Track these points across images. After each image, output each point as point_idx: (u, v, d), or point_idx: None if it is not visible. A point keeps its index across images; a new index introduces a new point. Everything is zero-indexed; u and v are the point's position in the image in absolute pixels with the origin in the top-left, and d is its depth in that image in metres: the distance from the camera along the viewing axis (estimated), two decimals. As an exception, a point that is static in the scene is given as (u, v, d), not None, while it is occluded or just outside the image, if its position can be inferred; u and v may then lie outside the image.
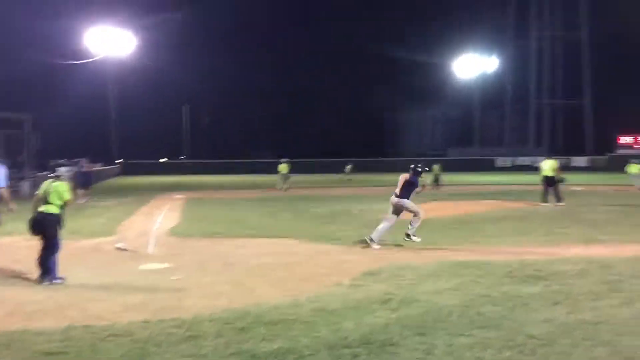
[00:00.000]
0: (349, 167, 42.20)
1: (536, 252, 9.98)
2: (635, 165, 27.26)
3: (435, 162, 31.82)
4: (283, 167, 30.46)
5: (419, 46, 73.05)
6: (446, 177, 31.32)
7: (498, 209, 18.39)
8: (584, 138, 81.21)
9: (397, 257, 9.65)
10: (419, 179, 11.11)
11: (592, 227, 13.37)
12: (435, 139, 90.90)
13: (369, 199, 22.35)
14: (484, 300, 6.56)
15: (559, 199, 19.09)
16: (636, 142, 68.56)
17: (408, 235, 10.93)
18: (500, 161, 66.95)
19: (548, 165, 19.71)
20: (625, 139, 69.21)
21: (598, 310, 6.11)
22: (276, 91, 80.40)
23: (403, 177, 11.01)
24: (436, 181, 29.22)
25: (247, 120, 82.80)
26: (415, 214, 10.95)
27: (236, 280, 8.03)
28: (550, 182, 19.39)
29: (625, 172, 28.04)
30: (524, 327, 5.52)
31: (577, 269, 8.18)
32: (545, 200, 19.18)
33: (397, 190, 10.94)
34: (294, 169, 32.01)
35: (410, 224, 10.96)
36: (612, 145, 68.86)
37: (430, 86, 80.00)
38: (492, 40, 77.74)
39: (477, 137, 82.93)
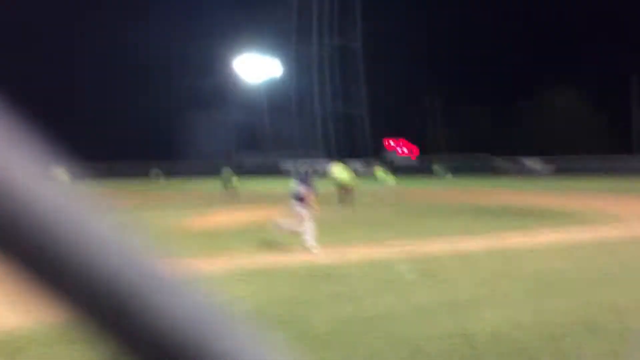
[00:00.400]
0: (155, 171, 41.59)
1: (325, 254, 10.45)
2: (380, 170, 30.57)
3: (226, 167, 31.82)
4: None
5: (205, 47, 72.76)
6: (238, 183, 31.53)
7: (289, 213, 18.99)
8: (361, 143, 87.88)
9: (192, 267, 9.45)
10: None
11: (373, 228, 14.50)
12: (224, 144, 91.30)
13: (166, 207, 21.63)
14: (276, 303, 6.73)
15: (344, 202, 20.51)
16: (401, 147, 76.28)
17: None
18: (287, 165, 69.61)
19: (339, 170, 21.01)
20: (393, 146, 76.66)
21: (379, 305, 6.63)
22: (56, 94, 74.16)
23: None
24: (226, 186, 29.21)
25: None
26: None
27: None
28: (343, 186, 20.69)
29: (374, 177, 30.71)
30: (312, 326, 5.77)
31: (361, 269, 8.82)
32: (343, 203, 20.50)
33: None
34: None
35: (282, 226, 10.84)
36: (383, 150, 75.80)
37: (217, 89, 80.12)
38: (276, 44, 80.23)
39: (266, 142, 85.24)
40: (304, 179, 11.12)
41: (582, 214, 18.05)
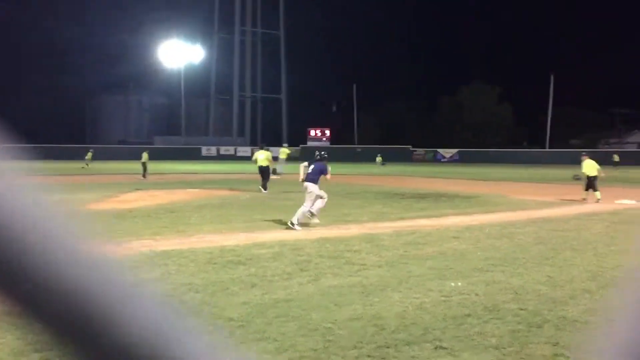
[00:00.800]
0: (90, 153, 41.63)
1: (236, 237, 10.43)
2: (285, 150, 31.37)
3: (142, 150, 31.14)
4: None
5: (122, 31, 70.39)
6: (152, 165, 30.79)
7: (202, 197, 18.78)
8: (281, 130, 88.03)
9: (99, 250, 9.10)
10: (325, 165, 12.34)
11: (286, 212, 14.53)
12: (141, 127, 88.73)
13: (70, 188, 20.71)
14: (187, 288, 6.60)
15: (265, 187, 20.61)
16: (324, 135, 77.02)
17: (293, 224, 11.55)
18: (205, 150, 68.58)
19: (264, 156, 21.28)
20: (315, 133, 77.21)
21: (289, 288, 6.65)
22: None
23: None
24: (144, 170, 28.64)
25: None
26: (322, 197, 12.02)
27: None
28: (264, 172, 21.03)
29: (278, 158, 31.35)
30: (223, 311, 5.71)
31: (272, 252, 8.81)
32: (265, 188, 20.70)
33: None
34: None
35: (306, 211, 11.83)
36: (304, 137, 76.20)
37: (135, 72, 77.69)
38: (198, 29, 78.87)
39: (183, 126, 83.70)
40: (322, 161, 12.56)
41: (486, 198, 18.98)
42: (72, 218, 0.42)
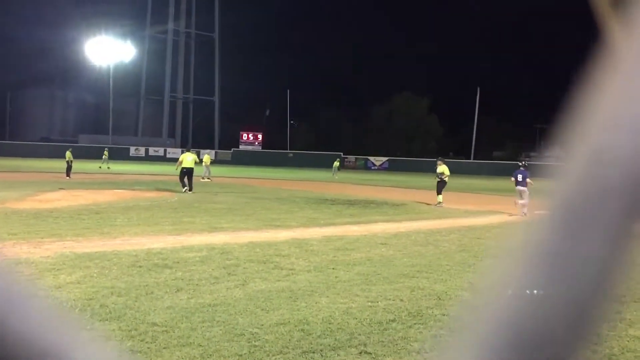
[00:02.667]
0: (106, 152, 40.82)
1: (163, 240, 10.22)
2: (208, 156, 31.72)
3: (67, 148, 30.12)
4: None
5: (48, 24, 67.67)
6: (77, 165, 29.72)
7: (129, 198, 18.28)
8: (213, 133, 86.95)
9: (16, 252, 8.70)
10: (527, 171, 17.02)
11: (215, 215, 14.38)
12: (66, 124, 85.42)
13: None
14: (109, 291, 6.40)
15: (191, 188, 20.93)
16: (256, 139, 76.70)
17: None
18: (133, 150, 66.84)
19: (191, 158, 21.62)
20: (247, 136, 76.81)
21: (216, 293, 6.57)
22: None
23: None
24: (68, 168, 27.68)
25: None
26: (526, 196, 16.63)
27: None
28: (189, 173, 21.30)
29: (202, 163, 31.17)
30: (147, 315, 5.57)
31: (200, 256, 8.68)
32: (185, 187, 20.96)
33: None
34: None
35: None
36: (237, 141, 75.67)
37: (61, 68, 74.78)
38: (129, 27, 76.76)
39: (110, 125, 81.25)
40: (525, 169, 17.17)
41: (413, 206, 19.47)
42: None
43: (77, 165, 29.76)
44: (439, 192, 19.94)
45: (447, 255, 9.72)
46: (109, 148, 44.10)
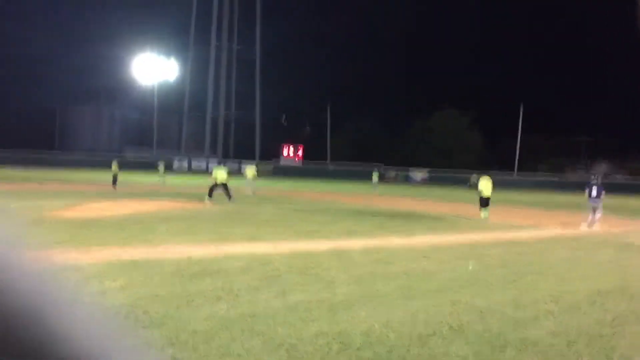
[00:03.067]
0: (162, 164, 38.78)
1: (204, 249, 10.33)
2: (251, 169, 31.42)
3: (113, 159, 30.82)
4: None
5: (95, 42, 69.71)
6: (122, 176, 30.42)
7: (172, 208, 18.59)
8: (254, 148, 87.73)
9: (64, 259, 8.94)
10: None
11: (255, 226, 14.48)
12: (111, 139, 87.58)
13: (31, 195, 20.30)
14: (151, 299, 6.50)
15: (230, 196, 21.81)
16: (296, 155, 77.18)
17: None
18: (177, 163, 68.12)
19: (224, 172, 22.37)
20: (288, 151, 77.47)
21: (256, 303, 6.59)
22: None
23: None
24: (114, 179, 28.33)
25: None
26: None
27: None
28: (224, 186, 21.95)
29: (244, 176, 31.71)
30: (188, 324, 5.62)
31: (240, 265, 8.74)
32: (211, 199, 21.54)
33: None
34: None
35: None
36: (278, 155, 76.39)
37: (107, 85, 76.82)
38: (173, 44, 78.35)
39: (154, 140, 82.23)
40: (599, 184, 17.96)
41: (454, 219, 19.18)
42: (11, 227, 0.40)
43: (122, 177, 30.46)
44: (483, 206, 19.45)
45: (489, 270, 9.54)
46: (164, 162, 42.68)
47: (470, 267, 9.00)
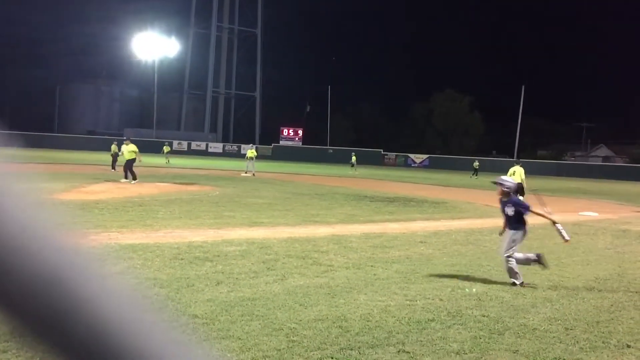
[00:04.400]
0: (166, 147, 40.04)
1: (204, 234, 10.36)
2: (251, 151, 31.82)
3: (112, 141, 30.78)
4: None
5: (95, 21, 69.33)
6: (120, 158, 30.39)
7: (171, 191, 18.60)
8: (254, 128, 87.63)
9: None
10: None
11: (255, 210, 14.51)
12: (111, 118, 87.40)
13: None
14: (151, 283, 6.53)
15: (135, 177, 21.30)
16: (296, 135, 77.01)
17: None
18: (176, 144, 68.00)
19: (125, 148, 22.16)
20: (288, 132, 77.18)
21: (255, 287, 6.63)
22: None
23: None
24: (113, 161, 28.29)
25: None
26: None
27: None
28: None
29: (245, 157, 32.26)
30: (188, 307, 5.66)
31: (240, 250, 8.78)
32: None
33: None
34: None
35: None
36: (277, 136, 76.13)
37: (107, 63, 76.45)
38: (174, 23, 77.90)
39: (154, 120, 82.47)
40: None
41: (454, 204, 19.20)
42: (43, 208, 0.42)
43: (121, 158, 30.38)
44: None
45: (488, 255, 9.58)
46: (169, 143, 43.36)
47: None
